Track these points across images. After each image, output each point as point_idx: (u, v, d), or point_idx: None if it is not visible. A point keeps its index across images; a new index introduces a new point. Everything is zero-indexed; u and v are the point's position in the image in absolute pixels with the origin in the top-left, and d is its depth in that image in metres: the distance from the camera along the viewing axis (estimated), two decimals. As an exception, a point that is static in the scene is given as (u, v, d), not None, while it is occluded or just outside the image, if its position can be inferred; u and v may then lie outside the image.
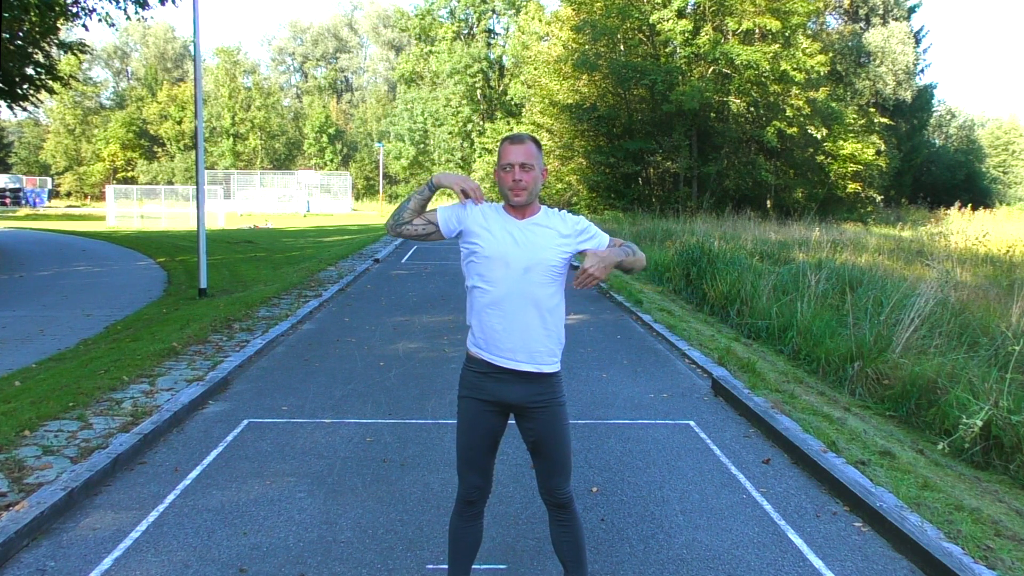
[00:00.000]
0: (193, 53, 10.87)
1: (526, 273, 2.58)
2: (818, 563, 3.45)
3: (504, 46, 50.74)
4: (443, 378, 6.52)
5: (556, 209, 2.77)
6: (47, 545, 3.50)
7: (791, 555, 3.53)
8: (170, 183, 55.86)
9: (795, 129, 29.89)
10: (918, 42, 41.70)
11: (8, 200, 50.45)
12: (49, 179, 61.85)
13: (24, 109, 17.83)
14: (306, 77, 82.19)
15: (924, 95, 44.29)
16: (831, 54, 33.20)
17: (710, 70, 29.40)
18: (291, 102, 76.96)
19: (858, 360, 6.73)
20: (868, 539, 3.71)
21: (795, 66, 28.18)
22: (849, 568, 3.41)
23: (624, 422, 5.45)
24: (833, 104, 32.69)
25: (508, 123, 45.36)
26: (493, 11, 51.83)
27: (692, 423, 5.48)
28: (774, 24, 27.96)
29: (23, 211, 44.59)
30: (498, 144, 2.69)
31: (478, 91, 49.58)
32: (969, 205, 27.94)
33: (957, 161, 52.08)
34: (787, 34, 29.22)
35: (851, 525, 3.86)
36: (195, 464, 4.51)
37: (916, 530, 3.57)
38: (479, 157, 47.48)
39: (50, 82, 17.07)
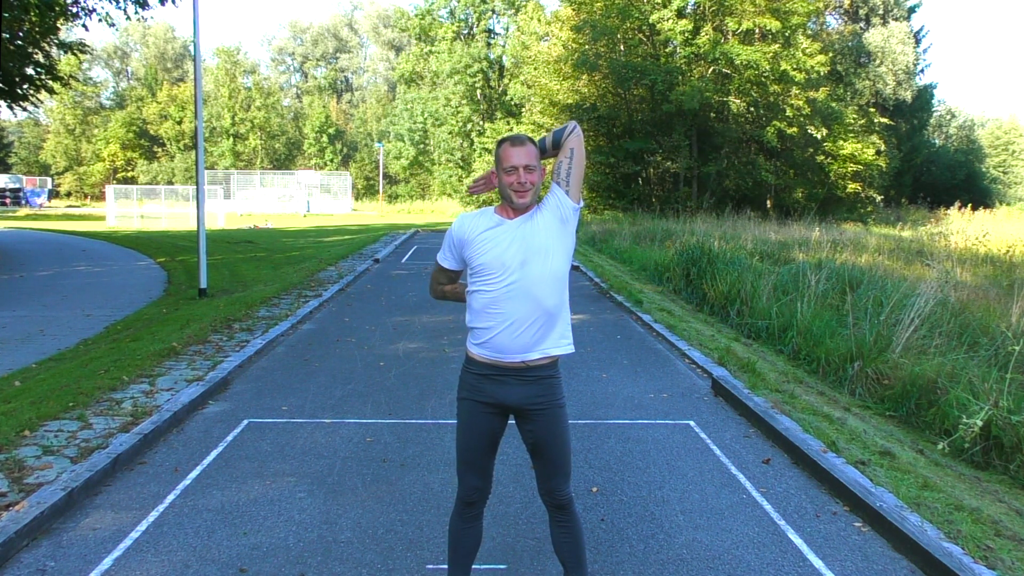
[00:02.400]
0: (193, 53, 10.87)
1: (523, 267, 2.59)
2: (818, 563, 3.45)
3: (504, 46, 50.67)
4: (443, 378, 6.53)
5: None
6: (47, 545, 3.50)
7: (791, 555, 3.53)
8: (170, 183, 55.84)
9: (795, 129, 29.89)
10: (918, 42, 41.73)
11: (8, 200, 50.44)
12: (49, 179, 61.74)
13: (24, 109, 17.82)
14: (306, 77, 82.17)
15: (924, 95, 44.32)
16: (831, 54, 33.21)
17: (710, 70, 29.40)
18: (291, 102, 76.90)
19: (858, 360, 6.73)
20: (868, 539, 3.71)
21: (795, 66, 28.19)
22: (849, 568, 3.41)
23: (624, 422, 5.45)
24: (833, 104, 32.69)
25: (508, 123, 45.29)
26: (493, 11, 51.76)
27: (692, 423, 5.48)
28: (774, 24, 27.97)
29: (23, 211, 44.57)
30: (495, 145, 2.70)
31: (478, 91, 49.52)
32: (969, 205, 27.92)
33: (957, 161, 52.08)
34: (787, 34, 29.23)
35: (851, 525, 3.86)
36: (195, 464, 4.52)
37: (916, 530, 3.57)
38: (479, 157, 47.44)
39: (50, 82, 17.06)
